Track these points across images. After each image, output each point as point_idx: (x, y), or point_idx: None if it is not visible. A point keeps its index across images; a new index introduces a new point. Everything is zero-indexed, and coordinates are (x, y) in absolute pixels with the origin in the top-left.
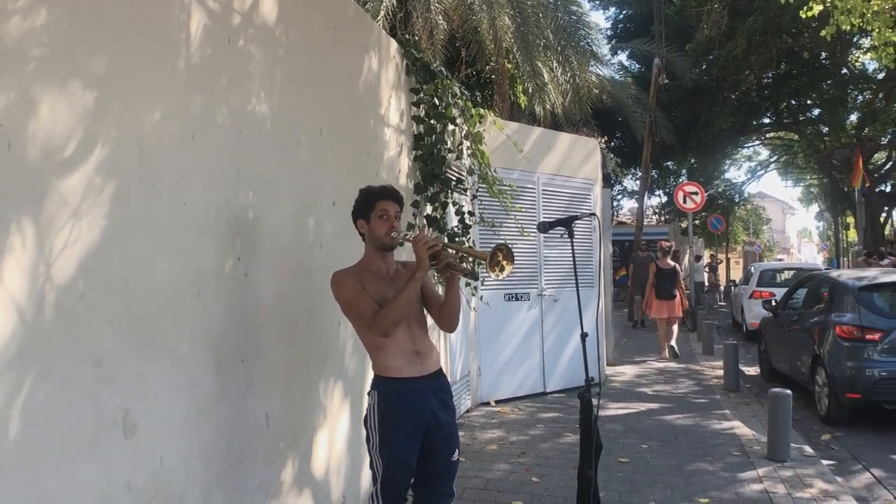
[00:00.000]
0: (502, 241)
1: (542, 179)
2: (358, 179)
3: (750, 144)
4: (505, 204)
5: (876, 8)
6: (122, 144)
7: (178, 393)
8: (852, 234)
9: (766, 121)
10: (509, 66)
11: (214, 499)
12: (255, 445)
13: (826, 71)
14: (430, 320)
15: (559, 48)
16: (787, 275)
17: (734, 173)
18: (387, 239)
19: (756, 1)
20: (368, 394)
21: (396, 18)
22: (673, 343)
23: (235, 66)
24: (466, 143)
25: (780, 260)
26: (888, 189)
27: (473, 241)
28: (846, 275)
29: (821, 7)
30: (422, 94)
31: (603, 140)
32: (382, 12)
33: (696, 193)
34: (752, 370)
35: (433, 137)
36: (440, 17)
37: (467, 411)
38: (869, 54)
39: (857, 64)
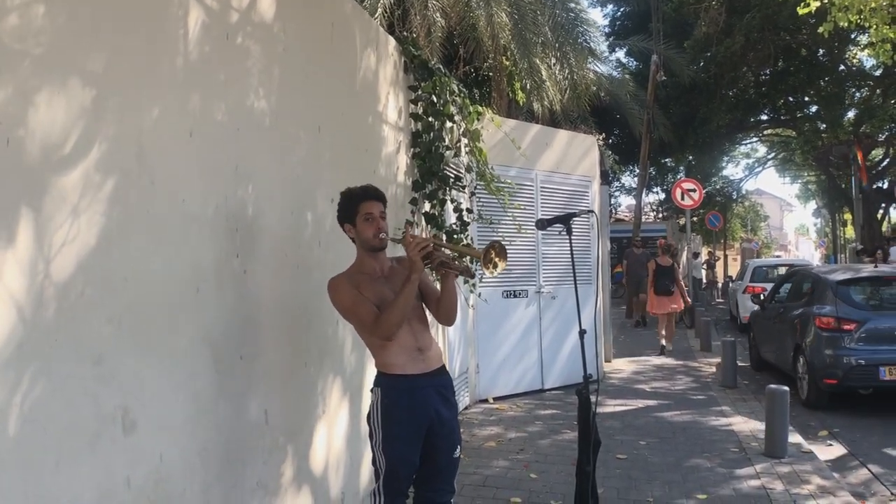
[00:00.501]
0: (497, 239)
1: (540, 176)
2: (356, 177)
3: (748, 141)
4: (503, 201)
5: (873, 4)
6: (121, 142)
7: (177, 390)
8: (850, 231)
9: (764, 117)
10: (507, 63)
11: (214, 495)
12: (254, 442)
13: (824, 68)
14: (429, 315)
15: (557, 45)
16: (781, 271)
17: (732, 170)
18: (375, 241)
19: None
20: (371, 391)
21: (394, 16)
22: (668, 343)
23: (233, 64)
24: (464, 141)
25: (777, 257)
26: (885, 186)
27: (472, 239)
28: (826, 271)
29: (818, 4)
30: (420, 92)
31: (601, 137)
32: (380, 9)
33: (693, 190)
34: (747, 363)
35: (431, 135)
36: (438, 15)
37: (465, 408)
38: (866, 51)
39: (854, 60)
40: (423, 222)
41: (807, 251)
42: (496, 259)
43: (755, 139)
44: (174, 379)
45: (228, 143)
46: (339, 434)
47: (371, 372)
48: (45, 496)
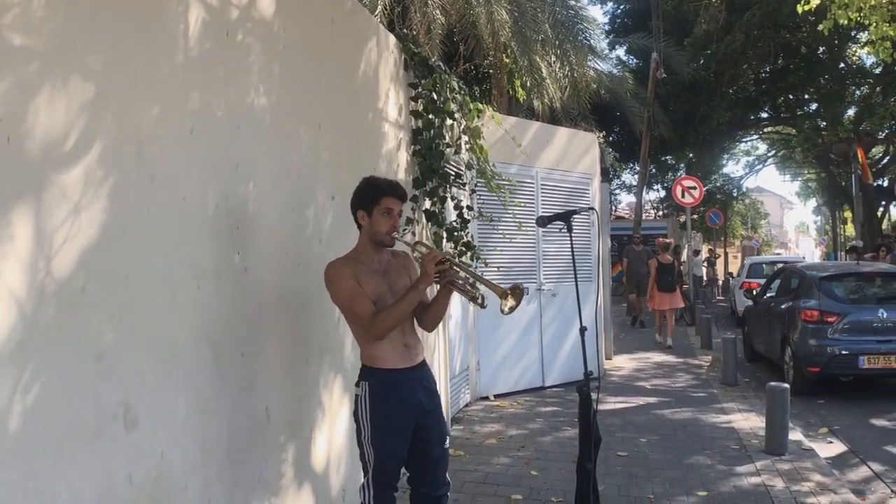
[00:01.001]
0: (520, 283)
1: (540, 174)
2: (356, 174)
3: (748, 139)
4: (503, 198)
5: (873, 2)
6: (121, 139)
7: (178, 387)
8: (850, 229)
9: (764, 115)
10: (507, 60)
11: (215, 492)
12: (255, 439)
13: (824, 65)
14: None
15: (557, 43)
16: (777, 267)
17: (732, 168)
18: (387, 238)
19: None
20: (357, 385)
21: (394, 13)
22: (669, 341)
23: (234, 61)
24: (465, 138)
25: (778, 254)
26: (885, 184)
27: (472, 236)
28: (811, 267)
29: (818, 1)
30: (420, 89)
31: (601, 134)
32: (380, 7)
33: (694, 188)
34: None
35: (431, 132)
36: (438, 12)
37: (466, 405)
38: (866, 49)
39: (854, 58)
40: (424, 220)
41: (807, 249)
42: (512, 300)
43: (755, 137)
44: (175, 376)
45: (229, 141)
46: (339, 431)
47: None
48: (46, 493)
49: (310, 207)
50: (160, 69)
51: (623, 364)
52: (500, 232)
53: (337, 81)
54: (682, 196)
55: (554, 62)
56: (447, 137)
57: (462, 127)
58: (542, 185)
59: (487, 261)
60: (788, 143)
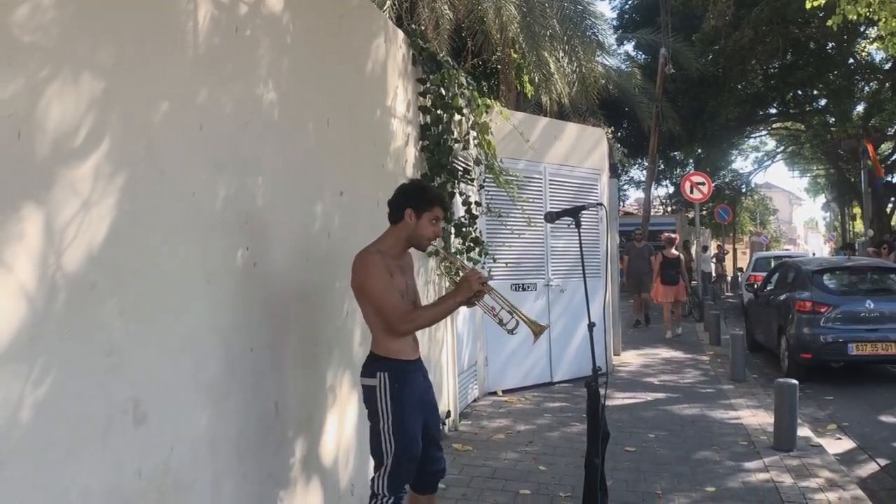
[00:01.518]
0: (545, 327)
1: (548, 169)
2: (365, 169)
3: (756, 135)
4: (512, 194)
5: None
6: (130, 135)
7: (187, 382)
8: (859, 225)
9: (773, 111)
10: (515, 56)
11: (224, 486)
12: (264, 434)
13: (833, 61)
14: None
15: (565, 38)
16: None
17: (741, 164)
18: (427, 244)
19: None
20: (372, 376)
21: (402, 8)
22: (679, 329)
23: (242, 57)
24: (473, 134)
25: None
26: (894, 180)
27: (480, 232)
28: (805, 262)
29: None
30: (428, 84)
31: (609, 130)
32: (388, 2)
33: (702, 184)
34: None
35: (440, 127)
36: (446, 7)
37: (474, 400)
38: (875, 44)
39: (863, 54)
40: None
41: (816, 245)
42: (537, 336)
43: (764, 133)
44: (184, 371)
45: (237, 136)
46: (348, 425)
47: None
48: (56, 487)
49: (318, 203)
50: (169, 65)
51: (631, 360)
52: (509, 227)
53: (345, 77)
54: (691, 192)
55: (562, 57)
56: (455, 133)
57: (470, 122)
58: (551, 180)
59: (496, 256)
60: (797, 139)
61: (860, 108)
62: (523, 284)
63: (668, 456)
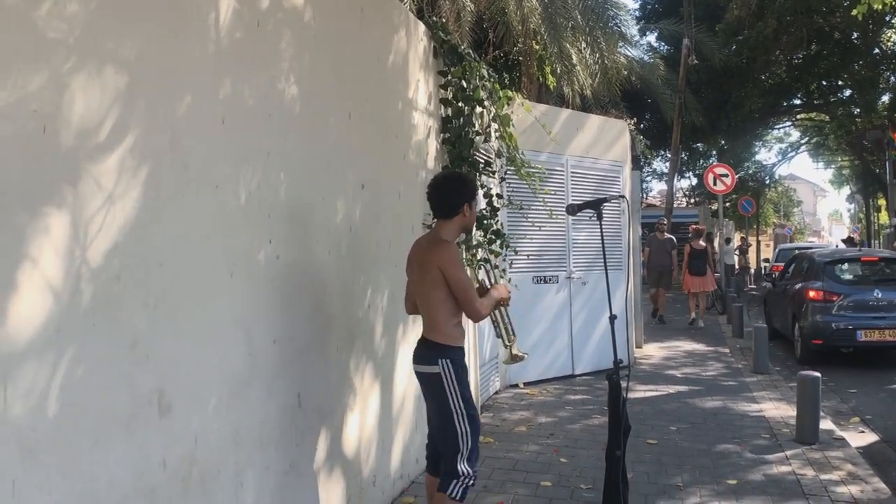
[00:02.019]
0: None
1: (570, 161)
2: (386, 163)
3: (780, 126)
4: (533, 186)
5: None
6: (154, 129)
7: (211, 373)
8: (884, 217)
9: (797, 102)
10: (537, 47)
11: (247, 477)
12: (287, 425)
13: (857, 51)
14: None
15: (587, 29)
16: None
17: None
18: (472, 227)
19: None
20: (434, 364)
21: (423, 0)
22: (700, 320)
23: (265, 50)
24: (494, 126)
25: (811, 242)
26: None
27: (502, 224)
28: (819, 253)
29: None
30: (449, 77)
31: (632, 122)
32: None
33: (726, 175)
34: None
35: (461, 120)
36: None
37: (496, 393)
38: None
39: (889, 44)
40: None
41: (840, 237)
42: (510, 357)
43: (788, 124)
44: (208, 362)
45: (260, 130)
46: (370, 417)
47: (403, 356)
48: (84, 475)
49: (340, 196)
50: (192, 59)
51: (653, 352)
52: (530, 220)
53: (367, 70)
54: (714, 184)
55: (584, 49)
56: (477, 125)
57: (492, 115)
58: (573, 172)
59: (517, 249)
60: (822, 130)
61: (885, 98)
62: (545, 277)
63: (689, 448)
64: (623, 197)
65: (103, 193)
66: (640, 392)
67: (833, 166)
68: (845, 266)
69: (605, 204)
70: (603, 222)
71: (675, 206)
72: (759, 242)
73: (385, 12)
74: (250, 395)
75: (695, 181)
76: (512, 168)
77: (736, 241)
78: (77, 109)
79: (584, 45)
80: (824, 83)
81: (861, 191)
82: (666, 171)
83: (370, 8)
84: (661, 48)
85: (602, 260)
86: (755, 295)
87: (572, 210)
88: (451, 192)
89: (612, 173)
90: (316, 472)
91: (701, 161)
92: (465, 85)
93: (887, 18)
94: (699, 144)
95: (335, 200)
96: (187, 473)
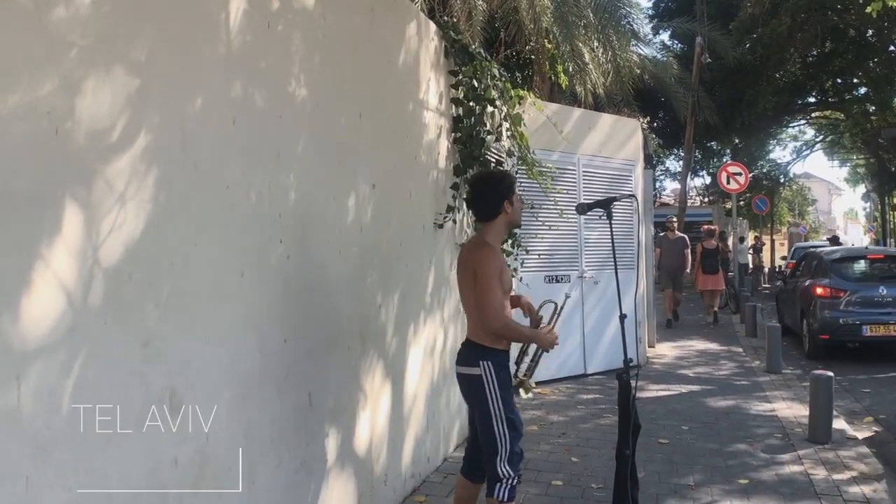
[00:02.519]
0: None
1: (582, 160)
2: (397, 163)
3: (795, 124)
4: (545, 185)
5: None
6: (165, 129)
7: (222, 372)
8: None
9: (812, 100)
10: (549, 46)
11: (258, 475)
12: (297, 424)
13: (872, 48)
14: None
15: (599, 28)
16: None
17: (779, 153)
18: (520, 220)
19: None
20: (475, 365)
21: (434, 0)
22: (716, 309)
23: (275, 51)
24: (506, 125)
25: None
26: None
27: None
28: (826, 251)
29: None
30: (461, 76)
31: (645, 120)
32: None
33: (739, 174)
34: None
35: (472, 120)
36: None
37: None
38: None
39: None
40: (465, 207)
41: (856, 236)
42: (522, 390)
43: (802, 122)
44: (219, 361)
45: (271, 130)
46: (381, 416)
47: (414, 355)
48: (96, 473)
49: (351, 196)
50: (203, 61)
51: (666, 352)
52: (542, 219)
53: (377, 70)
54: (728, 182)
55: (596, 47)
56: (488, 125)
57: (503, 114)
58: (584, 171)
59: (528, 248)
60: (836, 128)
61: None
62: (557, 276)
63: (701, 448)
64: (633, 196)
65: (115, 194)
66: (652, 391)
67: (848, 164)
68: (852, 264)
69: (615, 203)
70: (613, 221)
71: (688, 204)
72: (773, 241)
73: (396, 12)
74: (261, 393)
75: (708, 180)
76: (523, 167)
77: (750, 240)
78: (89, 111)
79: (596, 43)
80: (839, 81)
81: (876, 189)
82: (679, 169)
83: (381, 8)
84: (675, 46)
85: (613, 259)
86: (769, 294)
87: (582, 209)
88: (487, 194)
89: (625, 172)
90: (327, 471)
91: (714, 159)
92: (476, 84)
93: None
94: (713, 143)
95: (346, 200)
96: (199, 471)
